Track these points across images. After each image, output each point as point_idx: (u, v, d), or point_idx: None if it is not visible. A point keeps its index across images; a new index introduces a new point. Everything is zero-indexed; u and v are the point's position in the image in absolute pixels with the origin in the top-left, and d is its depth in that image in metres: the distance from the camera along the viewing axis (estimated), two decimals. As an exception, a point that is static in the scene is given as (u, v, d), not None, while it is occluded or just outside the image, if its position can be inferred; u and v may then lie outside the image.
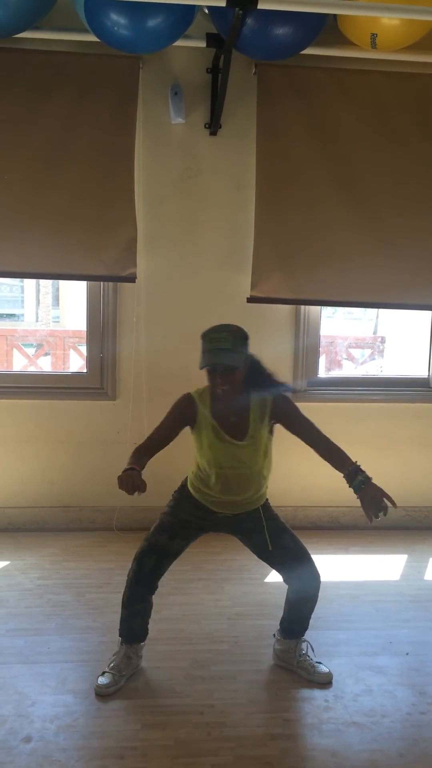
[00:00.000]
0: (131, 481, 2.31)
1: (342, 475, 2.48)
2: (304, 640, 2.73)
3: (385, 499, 2.38)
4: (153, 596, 2.64)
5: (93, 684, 2.58)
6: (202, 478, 2.57)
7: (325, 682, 2.64)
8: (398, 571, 3.69)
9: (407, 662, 2.83)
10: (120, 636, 2.67)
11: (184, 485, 2.68)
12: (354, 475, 2.43)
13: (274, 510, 2.70)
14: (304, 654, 2.71)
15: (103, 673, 2.60)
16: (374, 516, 2.38)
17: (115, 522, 4.03)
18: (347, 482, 2.45)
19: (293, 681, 2.68)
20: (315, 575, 2.62)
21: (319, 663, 2.70)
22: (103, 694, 2.53)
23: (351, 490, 2.46)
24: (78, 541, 3.91)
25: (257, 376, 2.55)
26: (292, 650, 2.72)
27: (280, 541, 2.62)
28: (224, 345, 2.40)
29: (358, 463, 2.46)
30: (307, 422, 2.55)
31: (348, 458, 2.48)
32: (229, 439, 2.49)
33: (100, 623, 3.01)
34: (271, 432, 2.58)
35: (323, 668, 2.68)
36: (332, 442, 2.53)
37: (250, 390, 2.52)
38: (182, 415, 2.54)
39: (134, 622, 2.65)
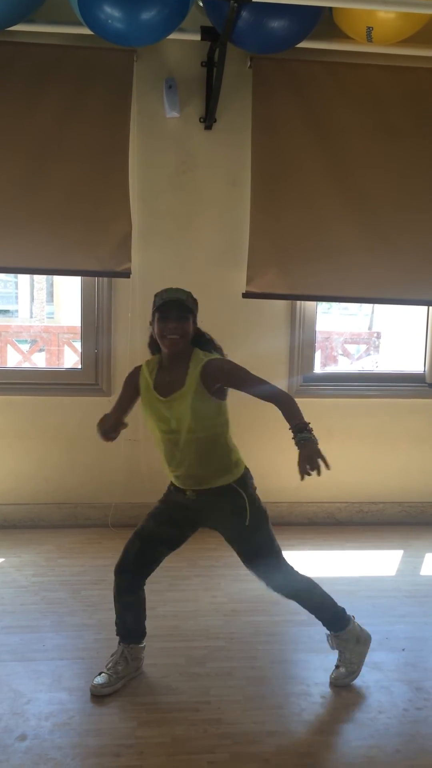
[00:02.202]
0: (106, 422, 2.52)
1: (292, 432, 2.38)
2: (329, 636, 2.67)
3: (319, 460, 2.31)
4: (143, 591, 2.60)
5: (88, 681, 2.56)
6: (160, 452, 2.54)
7: (336, 685, 2.62)
8: (394, 566, 3.69)
9: (403, 658, 2.83)
10: (117, 635, 2.65)
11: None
12: (300, 430, 2.34)
13: (259, 508, 2.53)
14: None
15: (100, 673, 2.58)
16: (304, 472, 2.32)
17: (110, 519, 4.02)
18: (293, 436, 2.36)
19: (289, 677, 2.67)
20: (261, 577, 2.55)
21: (337, 667, 2.66)
22: (98, 694, 2.51)
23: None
24: (73, 538, 3.90)
25: (201, 341, 2.50)
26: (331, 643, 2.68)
27: (240, 544, 2.53)
28: (180, 295, 2.44)
29: (309, 425, 2.35)
30: (250, 376, 2.41)
31: (299, 414, 2.36)
32: (156, 396, 2.45)
33: (96, 620, 3.00)
34: (218, 395, 2.43)
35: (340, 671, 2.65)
36: (285, 394, 2.42)
37: (190, 353, 2.44)
38: (129, 383, 2.59)
39: (127, 618, 2.62)
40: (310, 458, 2.30)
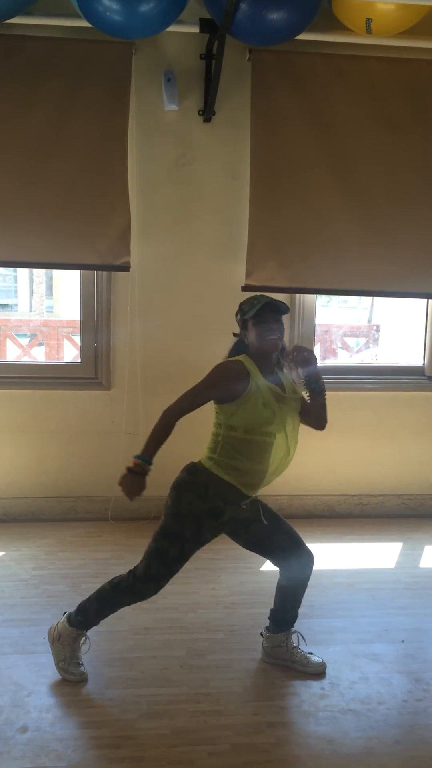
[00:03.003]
0: (134, 489, 2.32)
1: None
2: (294, 631, 2.71)
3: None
4: None
5: (89, 673, 2.58)
6: (242, 449, 2.41)
7: (319, 672, 2.64)
8: (394, 558, 3.70)
9: (403, 649, 2.84)
10: (85, 629, 2.60)
11: (195, 476, 2.45)
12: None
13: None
14: (295, 647, 2.70)
15: (80, 664, 2.58)
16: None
17: (110, 512, 4.02)
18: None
19: (289, 669, 2.68)
20: (311, 557, 2.62)
21: (311, 654, 2.70)
22: (85, 680, 2.54)
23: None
24: (73, 532, 3.91)
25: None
26: (283, 644, 2.69)
27: (280, 525, 2.60)
28: (270, 299, 2.43)
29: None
30: None
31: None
32: (279, 393, 2.43)
33: (96, 613, 3.01)
34: None
35: (316, 658, 2.68)
36: None
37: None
38: (231, 379, 2.37)
39: (97, 620, 2.60)
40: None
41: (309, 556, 2.61)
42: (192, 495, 2.43)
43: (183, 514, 2.43)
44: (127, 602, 2.55)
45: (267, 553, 2.65)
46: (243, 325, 2.47)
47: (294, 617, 2.71)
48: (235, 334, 2.54)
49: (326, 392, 2.53)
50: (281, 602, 2.69)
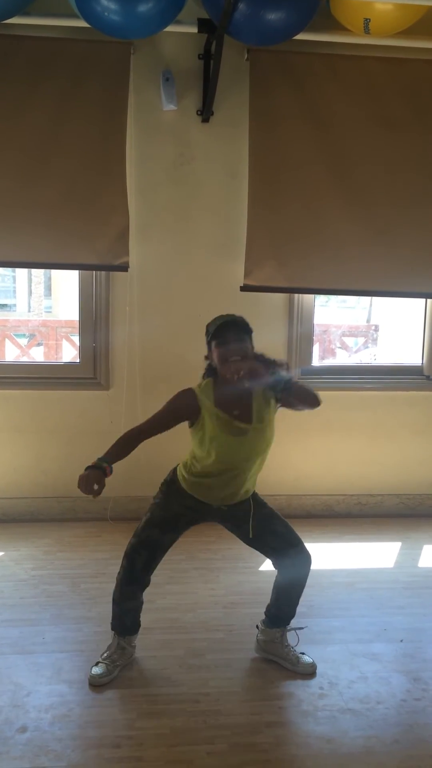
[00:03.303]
0: (89, 482, 2.28)
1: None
2: (290, 629, 2.72)
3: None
4: (143, 594, 2.63)
5: (88, 674, 2.58)
6: (202, 472, 2.50)
7: (309, 672, 2.64)
8: (392, 558, 3.71)
9: (402, 649, 2.84)
10: (113, 630, 2.67)
11: (173, 480, 2.62)
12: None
13: (260, 496, 2.68)
14: (288, 645, 2.70)
15: (97, 663, 2.60)
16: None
17: (109, 512, 4.02)
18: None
19: (287, 669, 2.68)
20: (307, 559, 2.62)
21: (303, 654, 2.69)
22: (96, 684, 2.53)
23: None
24: (72, 532, 3.91)
25: (262, 362, 2.47)
26: (277, 640, 2.70)
27: (271, 526, 2.61)
28: (230, 317, 2.44)
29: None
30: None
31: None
32: (237, 425, 2.42)
33: (95, 613, 3.01)
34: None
35: (307, 659, 2.68)
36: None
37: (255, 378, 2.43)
38: (182, 410, 2.46)
39: (126, 619, 2.64)
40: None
41: (304, 558, 2.61)
42: (168, 495, 2.60)
43: (164, 507, 2.60)
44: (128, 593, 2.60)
45: (262, 552, 2.67)
46: (208, 347, 2.46)
47: (289, 615, 2.71)
48: (206, 357, 2.52)
49: (294, 381, 2.44)
50: (275, 599, 2.71)
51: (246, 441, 2.45)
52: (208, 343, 2.46)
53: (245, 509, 2.60)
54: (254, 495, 2.64)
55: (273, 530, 2.61)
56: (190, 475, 2.55)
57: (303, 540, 2.64)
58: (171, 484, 2.62)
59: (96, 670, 2.56)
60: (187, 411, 2.46)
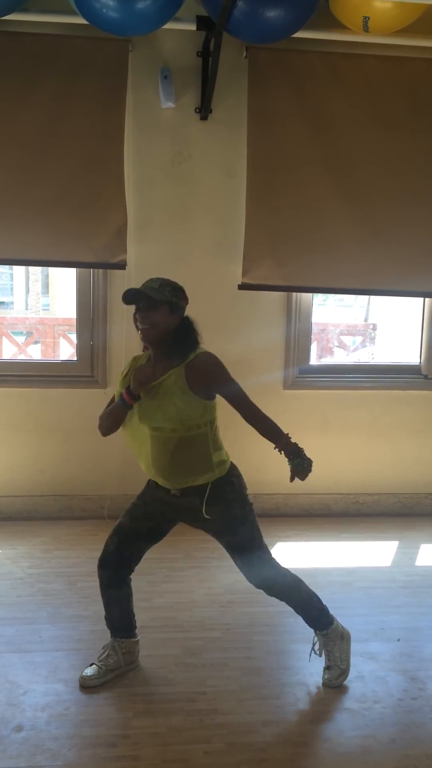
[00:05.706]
0: (146, 371, 2.33)
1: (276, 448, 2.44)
2: (316, 637, 2.62)
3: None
4: (128, 586, 2.60)
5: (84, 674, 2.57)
6: (137, 450, 2.52)
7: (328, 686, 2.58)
8: (389, 557, 3.71)
9: (399, 648, 2.84)
10: (107, 628, 2.65)
11: None
12: (296, 454, 2.42)
13: (230, 522, 2.49)
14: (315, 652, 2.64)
15: (91, 664, 2.58)
16: (299, 478, 2.45)
17: (106, 510, 4.02)
18: (284, 454, 2.42)
19: (285, 668, 2.69)
20: (253, 582, 2.54)
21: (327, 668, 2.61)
22: (86, 686, 2.51)
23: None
24: (69, 530, 3.90)
25: (184, 333, 2.41)
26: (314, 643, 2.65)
27: (233, 556, 2.53)
28: (152, 284, 2.41)
29: (289, 437, 2.41)
30: (233, 386, 2.39)
31: (280, 432, 2.40)
32: (149, 394, 2.36)
33: (92, 612, 3.00)
34: (208, 396, 2.38)
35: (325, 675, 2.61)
36: (261, 413, 2.41)
37: (176, 348, 2.39)
38: (124, 375, 2.53)
39: (113, 612, 2.61)
40: (302, 475, 2.43)
41: (247, 571, 2.54)
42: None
43: (138, 496, 2.62)
44: None
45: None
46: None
47: (309, 623, 2.62)
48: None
49: (202, 357, 2.39)
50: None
51: (140, 410, 2.38)
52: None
53: (194, 505, 2.44)
54: (215, 492, 2.43)
55: (232, 550, 2.54)
56: None
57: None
58: None
59: (87, 671, 2.55)
60: (125, 376, 2.53)
